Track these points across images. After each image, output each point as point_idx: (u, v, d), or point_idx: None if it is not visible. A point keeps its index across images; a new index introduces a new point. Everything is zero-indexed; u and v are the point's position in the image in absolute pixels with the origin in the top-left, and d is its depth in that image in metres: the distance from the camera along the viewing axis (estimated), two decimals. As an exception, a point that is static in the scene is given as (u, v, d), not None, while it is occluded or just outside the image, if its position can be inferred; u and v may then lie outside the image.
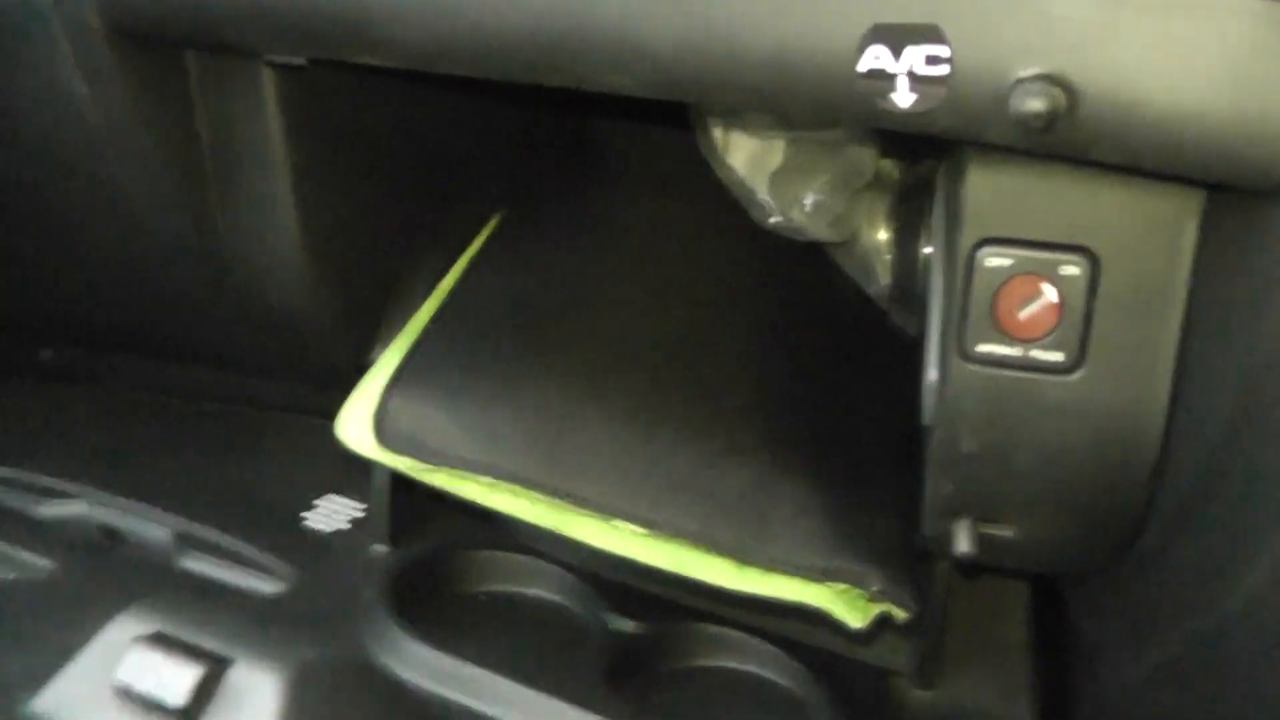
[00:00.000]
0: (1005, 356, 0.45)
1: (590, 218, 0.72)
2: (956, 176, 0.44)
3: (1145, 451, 0.45)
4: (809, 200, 0.62)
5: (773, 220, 0.63)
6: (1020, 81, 0.37)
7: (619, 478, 0.56)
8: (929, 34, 0.39)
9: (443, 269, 0.68)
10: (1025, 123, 0.37)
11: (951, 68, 0.38)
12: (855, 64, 0.39)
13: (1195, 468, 0.43)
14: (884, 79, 0.39)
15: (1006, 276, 0.44)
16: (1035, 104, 0.36)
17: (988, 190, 0.43)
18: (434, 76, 0.47)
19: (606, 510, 0.56)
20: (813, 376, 0.64)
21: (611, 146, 0.79)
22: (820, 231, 0.63)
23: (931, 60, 0.38)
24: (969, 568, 0.53)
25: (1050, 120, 0.37)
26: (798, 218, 0.63)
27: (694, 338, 0.64)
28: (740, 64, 0.40)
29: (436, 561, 0.63)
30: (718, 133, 0.64)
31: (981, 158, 0.42)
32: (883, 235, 0.63)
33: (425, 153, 0.67)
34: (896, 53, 0.38)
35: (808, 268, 0.68)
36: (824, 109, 0.41)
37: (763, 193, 0.63)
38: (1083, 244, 0.42)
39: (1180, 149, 0.36)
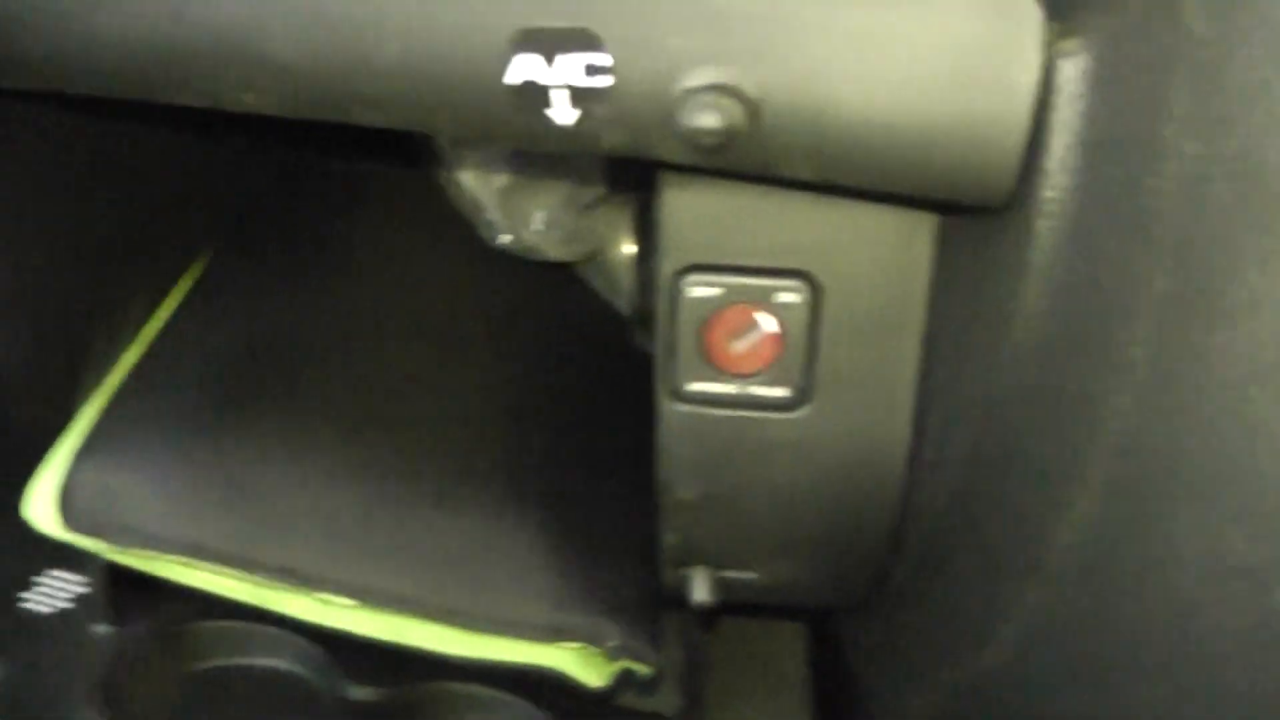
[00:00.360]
0: (721, 395, 0.40)
1: (311, 253, 0.64)
2: (654, 197, 0.38)
3: (886, 490, 0.41)
4: (539, 218, 0.55)
5: (502, 240, 0.56)
6: (688, 93, 0.31)
7: (327, 545, 0.49)
8: (582, 39, 0.32)
9: (146, 319, 0.59)
10: (696, 140, 0.31)
11: (615, 78, 0.31)
12: (506, 76, 0.32)
13: (942, 508, 0.39)
14: (537, 92, 0.32)
15: (716, 307, 0.38)
16: (706, 119, 0.31)
17: (687, 212, 0.37)
18: (128, 105, 0.41)
19: (311, 582, 0.49)
20: (552, 413, 0.57)
21: (336, 174, 0.70)
22: (555, 251, 0.57)
23: (591, 70, 0.32)
24: (743, 605, 0.48)
25: (726, 137, 0.31)
26: (529, 237, 0.56)
27: (421, 380, 0.57)
28: (381, 78, 0.33)
29: (161, 639, 0.54)
30: (445, 149, 0.56)
31: (677, 176, 0.36)
32: (630, 250, 0.56)
33: (124, 190, 0.58)
34: (549, 62, 0.32)
35: (556, 290, 0.61)
36: (479, 127, 0.34)
37: (491, 211, 0.55)
38: (801, 268, 0.37)
39: (887, 167, 0.31)
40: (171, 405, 0.53)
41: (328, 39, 0.33)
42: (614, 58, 0.31)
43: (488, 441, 0.54)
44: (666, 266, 0.38)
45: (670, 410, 0.40)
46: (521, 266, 0.59)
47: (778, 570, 0.44)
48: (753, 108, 0.30)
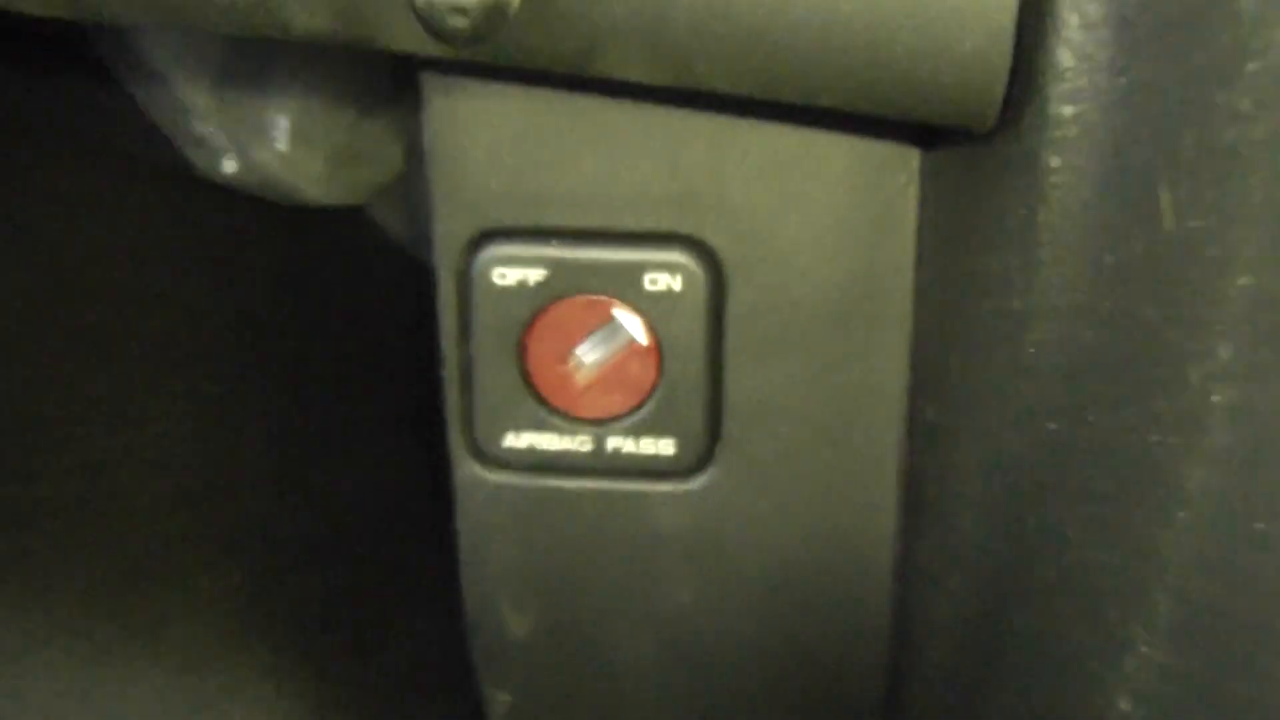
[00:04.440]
0: (563, 454, 0.37)
1: None
2: (421, 111, 0.35)
3: (862, 617, 0.38)
4: (281, 127, 0.48)
5: (229, 169, 0.48)
6: None
7: None
8: None
9: None
10: (439, 20, 0.29)
11: None
12: None
13: (948, 648, 0.37)
14: None
15: (540, 303, 0.35)
16: None
17: (479, 137, 0.34)
18: None
19: None
20: (317, 485, 0.49)
21: None
22: (314, 185, 0.49)
23: None
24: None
25: (490, 14, 0.29)
26: (268, 160, 0.48)
27: (73, 441, 0.49)
28: None
29: None
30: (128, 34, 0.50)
31: (446, 78, 0.34)
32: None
33: None
34: None
35: (337, 262, 0.53)
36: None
37: (204, 118, 0.48)
38: (685, 232, 0.34)
39: (777, 61, 0.29)
40: None
41: None
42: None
43: (191, 538, 0.46)
44: (448, 231, 0.34)
45: (475, 481, 0.36)
46: (267, 223, 0.50)
47: None
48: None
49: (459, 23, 0.29)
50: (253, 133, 0.52)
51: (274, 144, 0.52)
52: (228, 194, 0.52)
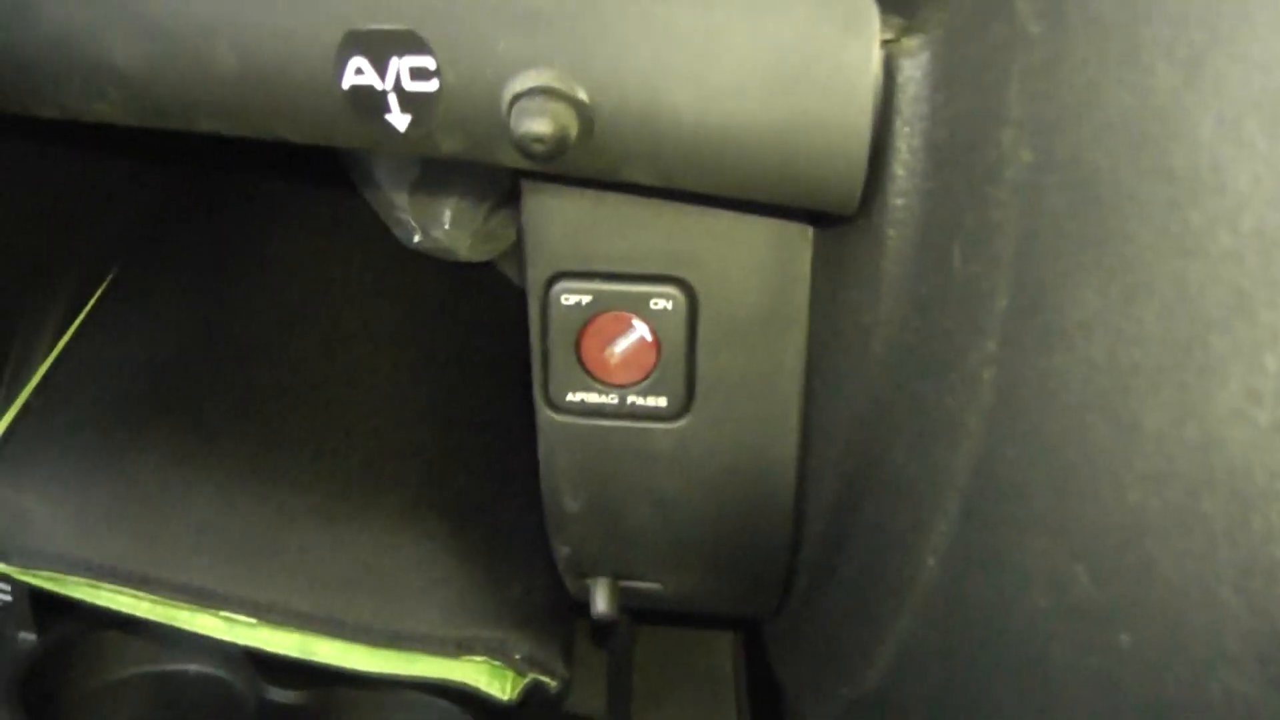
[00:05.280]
0: (599, 405, 0.38)
1: (220, 264, 0.60)
2: (520, 202, 0.36)
3: (777, 501, 0.39)
4: (446, 216, 0.51)
5: (417, 240, 0.53)
6: (517, 97, 0.29)
7: (227, 562, 0.47)
8: (407, 42, 0.30)
9: (61, 334, 0.56)
10: (528, 147, 0.29)
11: (440, 82, 0.30)
12: (340, 80, 0.30)
13: (826, 521, 0.37)
14: (373, 97, 0.30)
15: (588, 315, 0.36)
16: (535, 125, 0.28)
17: (551, 217, 0.35)
18: (23, 123, 0.39)
19: (211, 600, 0.47)
20: (462, 418, 0.54)
21: (253, 187, 0.64)
22: (466, 250, 0.53)
23: (417, 74, 0.30)
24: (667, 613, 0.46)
25: (558, 143, 0.29)
26: (440, 236, 0.52)
27: (328, 390, 0.54)
28: (221, 86, 0.32)
29: (80, 645, 0.54)
30: (360, 152, 0.53)
31: (536, 181, 0.34)
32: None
33: (32, 203, 0.54)
34: (381, 66, 0.30)
35: (472, 293, 0.58)
36: (324, 133, 0.32)
37: (404, 210, 0.52)
38: (675, 275, 0.35)
39: (730, 172, 0.29)
40: (76, 423, 0.52)
41: (164, 47, 0.32)
42: (438, 61, 0.29)
43: (395, 450, 0.52)
44: (534, 274, 0.36)
45: (549, 421, 0.38)
46: (439, 270, 0.56)
47: (679, 581, 0.42)
48: (585, 112, 0.28)
49: (539, 148, 0.29)
50: (430, 219, 0.54)
51: (442, 227, 0.54)
52: (416, 254, 0.57)
